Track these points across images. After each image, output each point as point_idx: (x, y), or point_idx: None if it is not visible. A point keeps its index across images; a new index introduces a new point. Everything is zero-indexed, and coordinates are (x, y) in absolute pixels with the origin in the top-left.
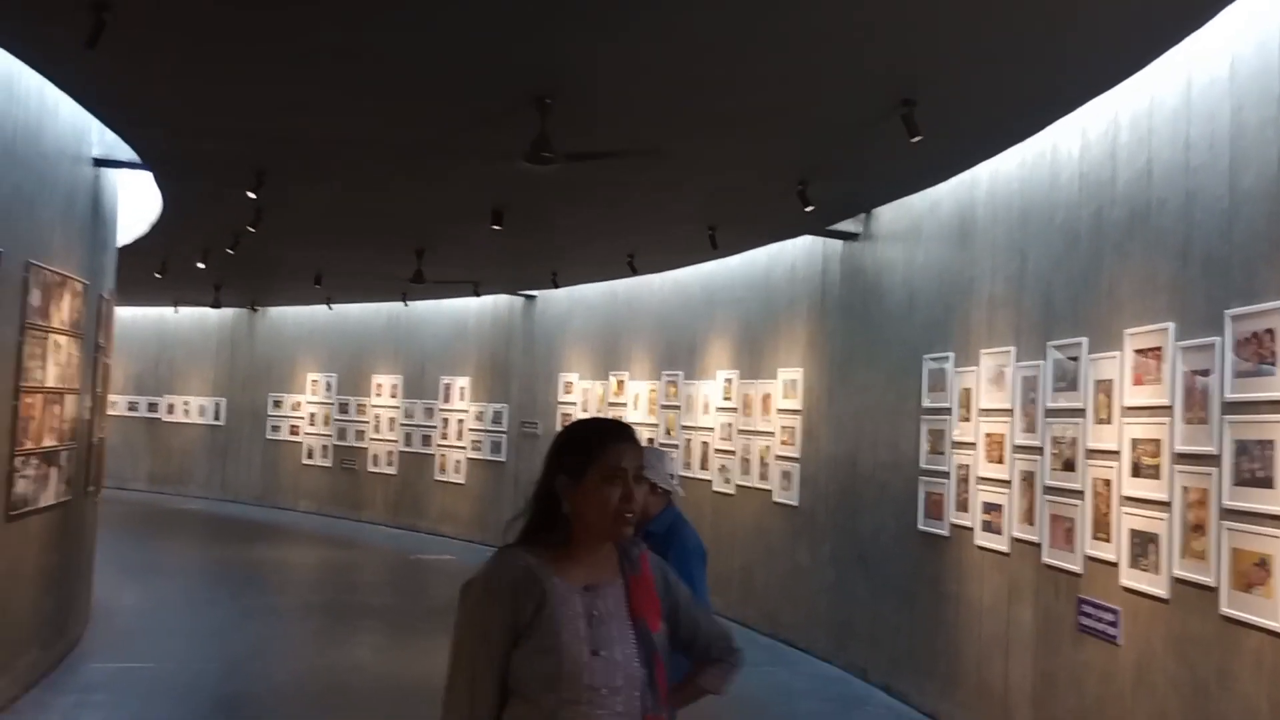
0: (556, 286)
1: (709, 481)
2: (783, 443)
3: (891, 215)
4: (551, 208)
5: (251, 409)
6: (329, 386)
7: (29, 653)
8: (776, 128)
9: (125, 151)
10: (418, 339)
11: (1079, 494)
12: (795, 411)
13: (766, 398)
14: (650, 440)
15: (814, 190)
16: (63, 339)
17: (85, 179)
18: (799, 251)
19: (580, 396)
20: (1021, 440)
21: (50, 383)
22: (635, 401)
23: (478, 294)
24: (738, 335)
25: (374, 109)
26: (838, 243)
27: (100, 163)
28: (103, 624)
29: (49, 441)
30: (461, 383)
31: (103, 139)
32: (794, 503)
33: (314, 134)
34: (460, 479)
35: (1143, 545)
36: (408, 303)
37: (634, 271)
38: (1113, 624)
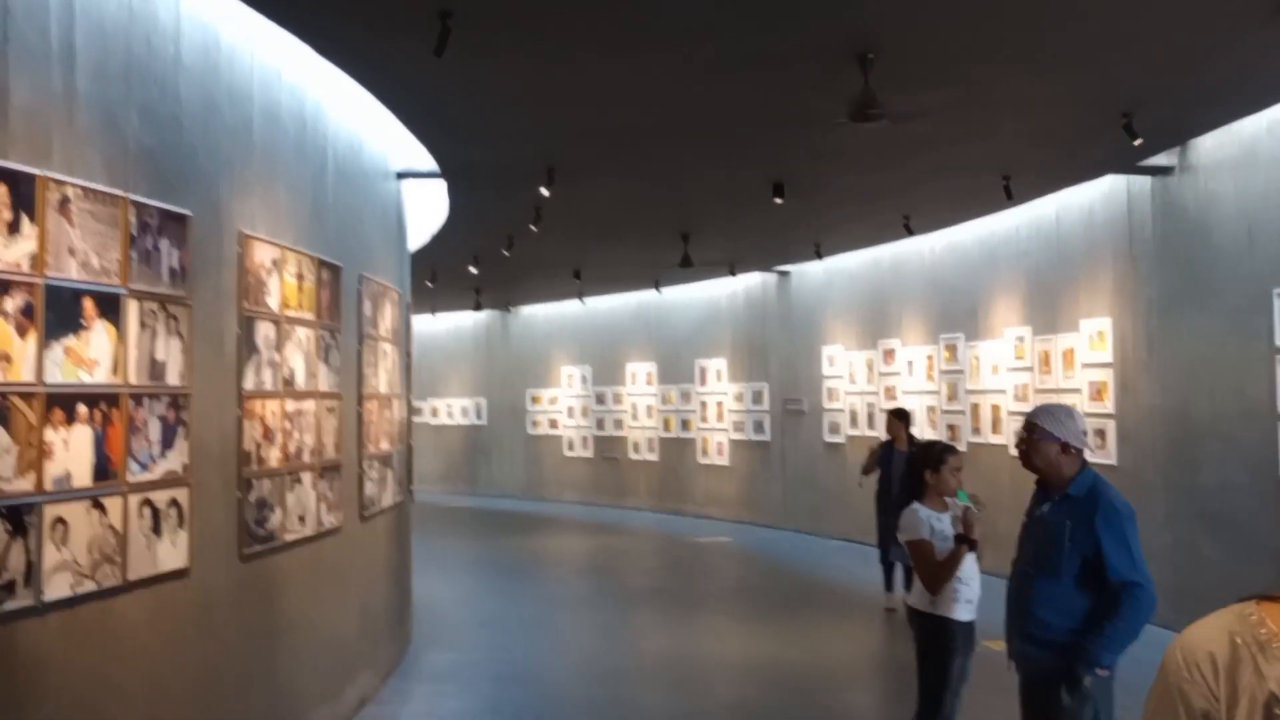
0: (820, 257)
1: (1003, 446)
2: (1092, 399)
3: (1214, 144)
4: (833, 174)
5: (511, 407)
6: (584, 379)
7: (385, 645)
8: (1103, 55)
9: (417, 164)
10: (669, 325)
11: None
12: (1106, 365)
13: (1068, 353)
14: (928, 409)
15: (1137, 122)
16: (388, 346)
17: (393, 193)
18: (1095, 195)
19: (846, 369)
20: None
21: (382, 389)
22: (910, 369)
23: (733, 273)
24: (1027, 290)
25: (672, 90)
26: (1145, 181)
27: (402, 175)
28: (424, 618)
29: (384, 445)
30: (718, 365)
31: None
32: (1111, 461)
33: (606, 124)
34: (724, 461)
35: None
36: (660, 290)
37: (909, 233)
38: None
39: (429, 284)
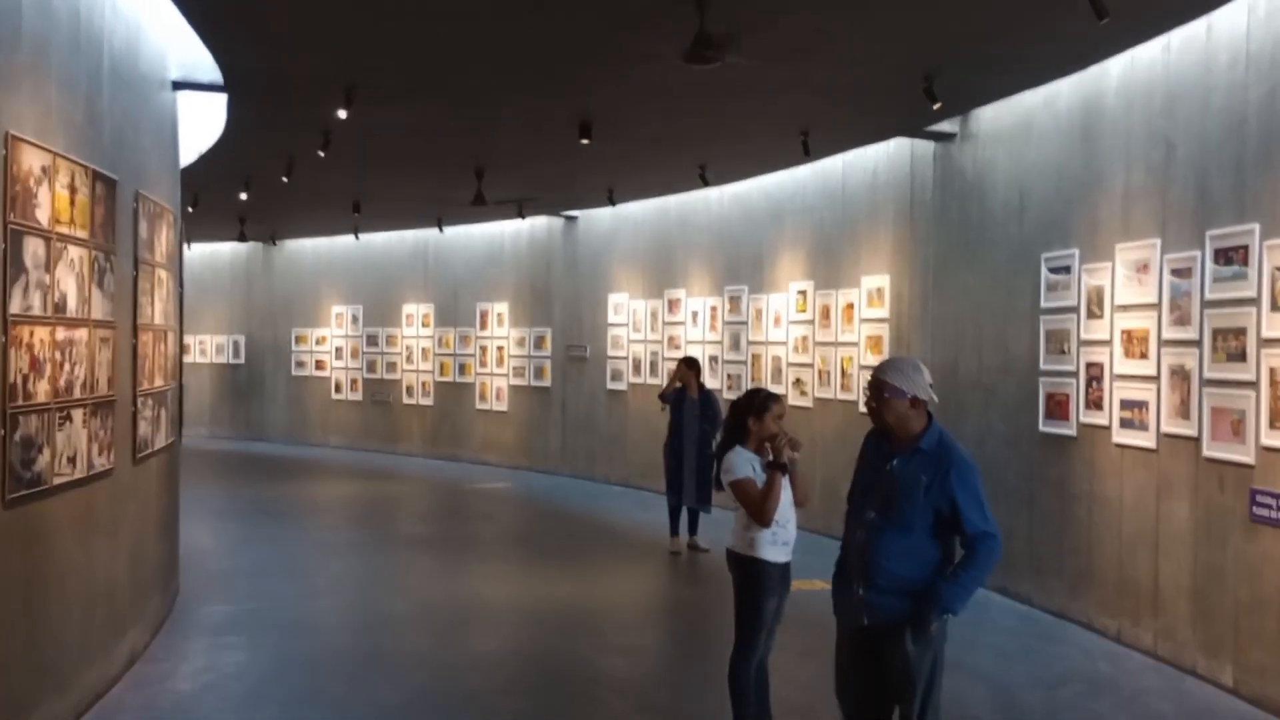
0: (613, 204)
1: (780, 396)
2: (868, 351)
3: (993, 114)
4: (641, 118)
5: (274, 346)
6: (355, 319)
7: (154, 597)
8: (916, 14)
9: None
10: (449, 266)
11: (1250, 384)
12: (882, 320)
13: (848, 307)
14: (710, 359)
15: (934, 87)
16: (163, 273)
17: (169, 104)
18: (879, 156)
19: (629, 317)
20: (1172, 334)
21: (157, 320)
22: (694, 319)
23: (522, 215)
24: (811, 245)
25: (487, 11)
26: (928, 145)
27: (178, 85)
28: (192, 568)
29: (159, 382)
30: (499, 308)
31: (180, 60)
32: None
33: (410, 41)
34: (503, 406)
35: None
36: (443, 229)
37: (705, 183)
38: None
39: (189, 209)
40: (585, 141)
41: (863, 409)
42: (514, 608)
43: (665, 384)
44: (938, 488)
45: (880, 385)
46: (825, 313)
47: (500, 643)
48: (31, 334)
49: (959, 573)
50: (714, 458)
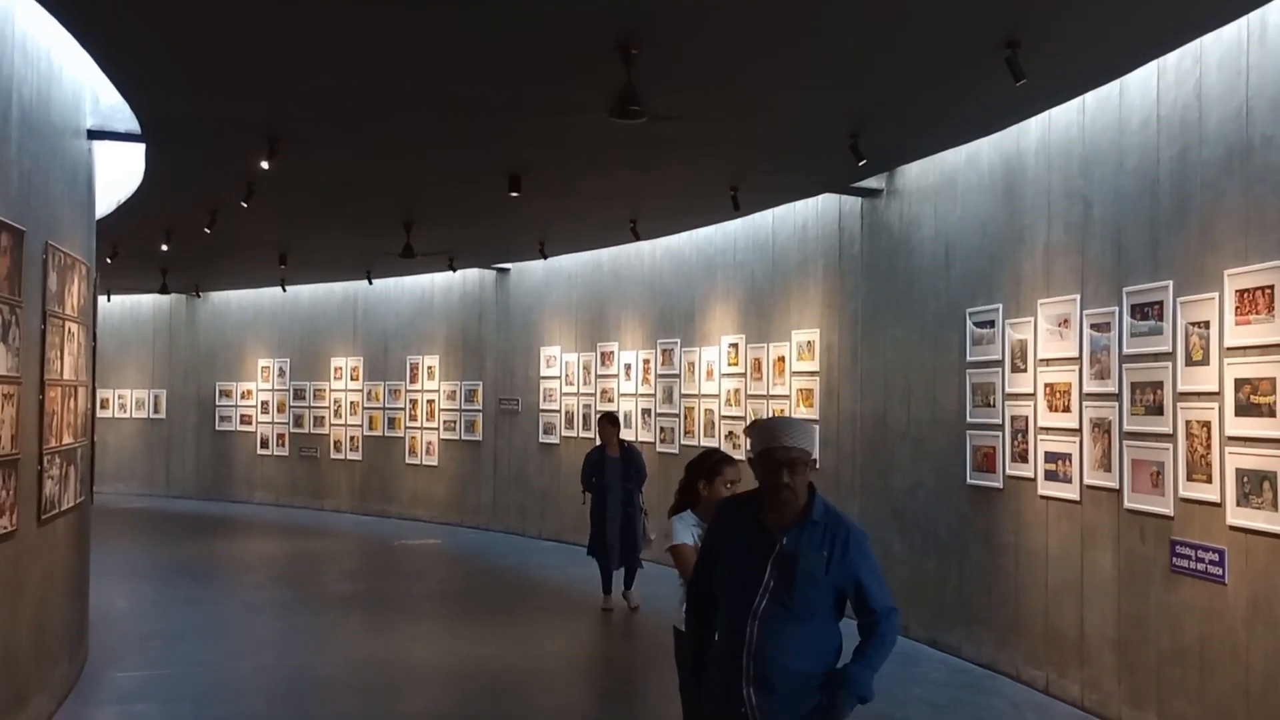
0: (544, 256)
1: (714, 448)
2: (800, 404)
3: (918, 171)
4: (570, 171)
5: (196, 399)
6: (282, 372)
7: (60, 665)
8: (848, 74)
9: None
10: (378, 318)
11: (1168, 437)
12: (813, 373)
13: (779, 360)
14: (644, 411)
15: (860, 144)
16: (74, 326)
17: (83, 153)
18: (808, 212)
19: (562, 370)
20: (1093, 388)
21: (67, 375)
22: (626, 372)
23: (453, 268)
24: (742, 299)
25: (414, 60)
26: (855, 201)
27: (93, 135)
28: (103, 631)
29: (68, 439)
30: (430, 361)
31: (96, 109)
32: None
33: (335, 89)
34: (433, 460)
35: (1256, 483)
36: (371, 281)
37: (636, 237)
38: (1216, 563)
39: (108, 260)
40: (515, 194)
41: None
42: (441, 668)
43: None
44: (837, 564)
45: (800, 458)
46: (757, 365)
47: (425, 704)
48: None
49: (869, 655)
50: (640, 515)
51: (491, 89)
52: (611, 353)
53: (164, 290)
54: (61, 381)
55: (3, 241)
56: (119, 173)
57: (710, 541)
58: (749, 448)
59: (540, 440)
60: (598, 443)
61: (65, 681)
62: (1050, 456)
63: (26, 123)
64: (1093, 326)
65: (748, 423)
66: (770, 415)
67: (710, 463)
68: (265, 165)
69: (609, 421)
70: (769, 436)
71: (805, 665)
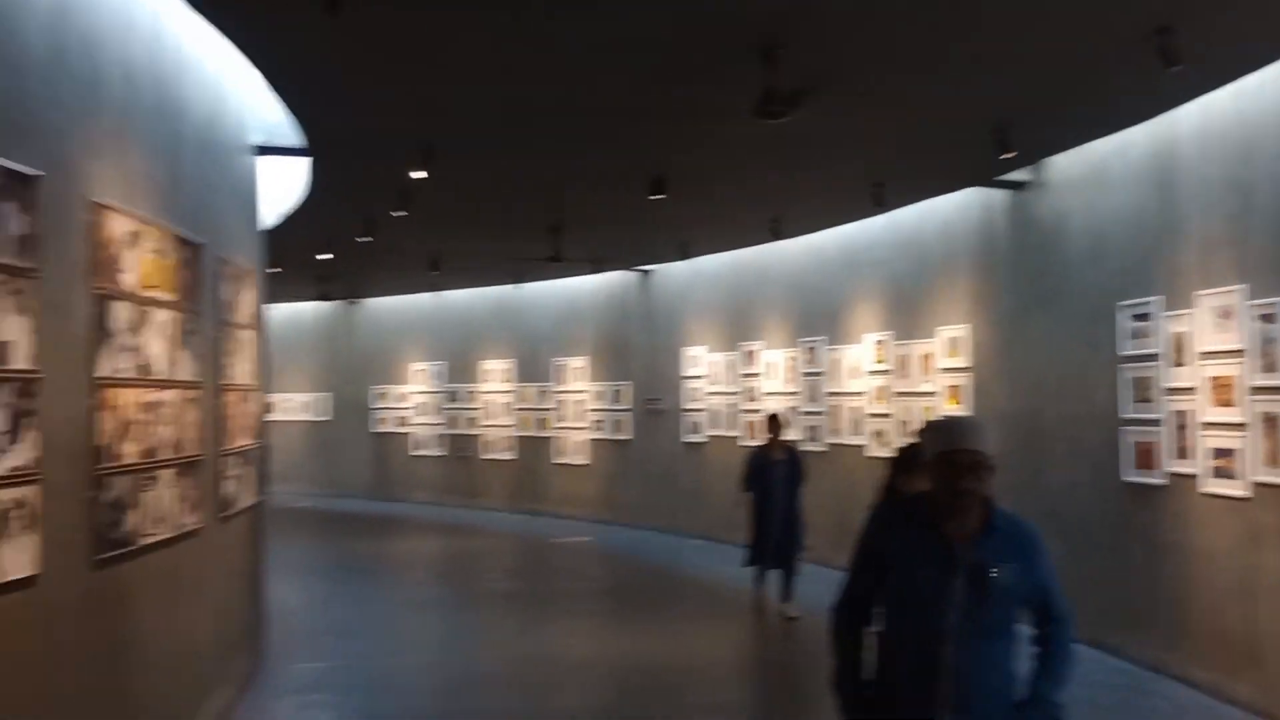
0: (686, 258)
1: (860, 447)
2: (949, 402)
3: (1066, 163)
4: (712, 174)
5: (357, 402)
6: (436, 375)
7: (240, 657)
8: (989, 68)
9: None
10: (527, 322)
11: None
12: (962, 370)
13: (926, 357)
14: (792, 409)
15: (1007, 138)
16: (245, 334)
17: (249, 169)
18: (953, 206)
19: (708, 369)
20: (1262, 381)
21: (242, 380)
22: (771, 371)
23: (598, 271)
24: (886, 295)
25: (560, 72)
26: (1001, 194)
27: (261, 151)
28: (279, 626)
29: (243, 441)
30: (577, 363)
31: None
32: None
33: (486, 103)
34: (582, 460)
35: None
36: (520, 285)
37: (777, 236)
38: None
39: (278, 270)
40: (658, 197)
41: (872, 451)
42: (599, 664)
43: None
44: (1027, 574)
45: (985, 461)
46: (903, 363)
47: (586, 700)
48: (119, 396)
49: (1057, 670)
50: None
51: (635, 95)
52: (755, 351)
53: (324, 298)
54: (237, 386)
55: (183, 255)
56: (280, 186)
57: (873, 549)
58: (923, 450)
59: (686, 439)
60: (759, 443)
61: (245, 673)
62: (1215, 453)
63: (199, 142)
64: (1261, 318)
65: (923, 425)
66: (944, 415)
67: (914, 457)
68: (419, 175)
69: (774, 422)
70: (951, 438)
71: (1001, 685)
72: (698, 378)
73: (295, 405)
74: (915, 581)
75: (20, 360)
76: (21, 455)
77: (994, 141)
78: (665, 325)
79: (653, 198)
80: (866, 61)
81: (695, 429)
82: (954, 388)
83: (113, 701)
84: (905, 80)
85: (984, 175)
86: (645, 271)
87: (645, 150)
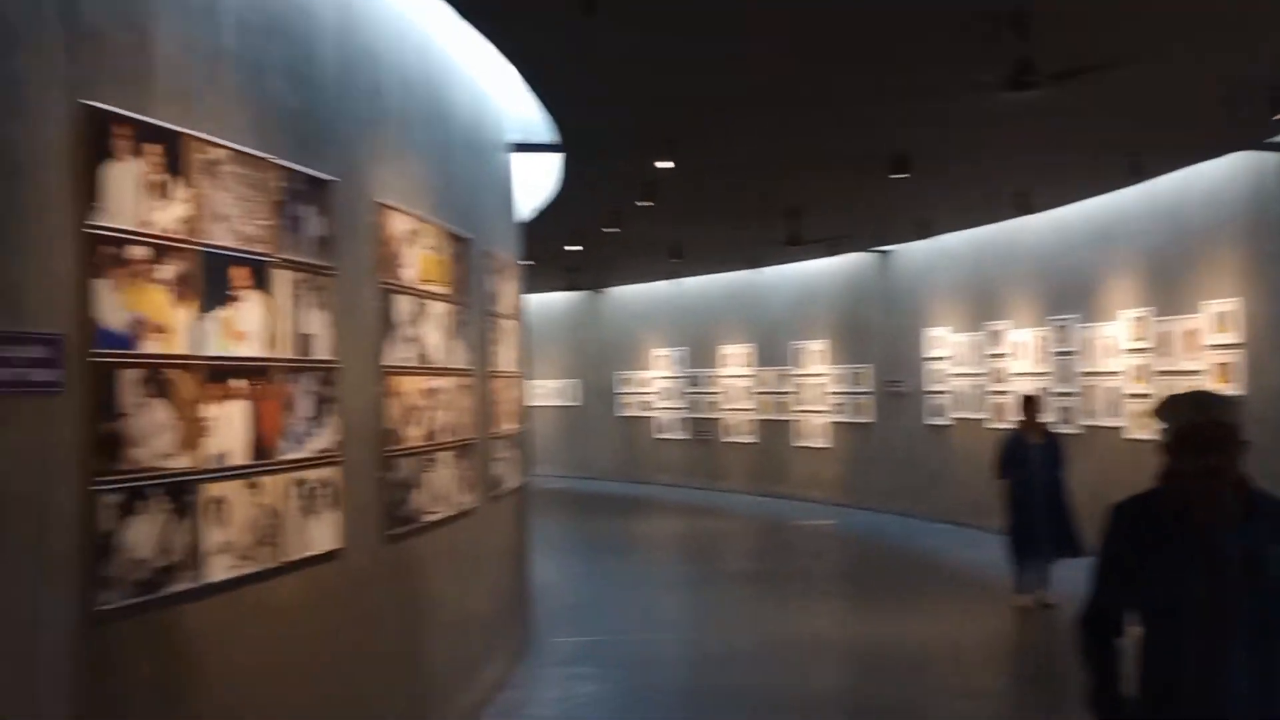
0: (927, 236)
1: (1118, 429)
2: (1218, 380)
3: None
4: (955, 149)
5: (603, 388)
6: (678, 361)
7: (511, 630)
8: (1268, 18)
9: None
10: (765, 306)
11: None
12: (1234, 346)
13: (1191, 333)
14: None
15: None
16: (508, 324)
17: (506, 166)
18: (1217, 173)
19: (951, 350)
20: None
21: (506, 367)
22: (1018, 351)
23: (835, 253)
24: (1144, 270)
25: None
26: (1274, 157)
27: (517, 148)
28: (542, 601)
29: (508, 425)
30: (816, 346)
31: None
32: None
33: (727, 92)
34: (822, 443)
35: None
36: (758, 270)
37: (1024, 211)
38: None
39: (530, 263)
40: (901, 175)
41: (1131, 434)
42: (847, 645)
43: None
44: None
45: (1237, 436)
46: (1164, 340)
47: (837, 680)
48: (403, 383)
49: None
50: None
51: (878, 76)
52: (1001, 331)
53: (571, 288)
54: (502, 373)
55: (454, 250)
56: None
57: (1114, 551)
58: (1161, 429)
59: (929, 422)
60: (1013, 426)
61: (516, 644)
62: None
63: (466, 143)
64: None
65: (1157, 402)
66: (1186, 391)
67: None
68: (666, 166)
69: (1030, 404)
70: (1195, 411)
71: (1270, 687)
72: (940, 359)
73: (546, 391)
74: (1169, 582)
75: (322, 352)
76: (325, 439)
77: (1268, 101)
78: (906, 306)
79: (894, 176)
80: (1125, 21)
81: (939, 411)
82: (1223, 365)
83: (410, 663)
84: (1165, 43)
85: (1255, 138)
86: (884, 252)
87: (887, 129)
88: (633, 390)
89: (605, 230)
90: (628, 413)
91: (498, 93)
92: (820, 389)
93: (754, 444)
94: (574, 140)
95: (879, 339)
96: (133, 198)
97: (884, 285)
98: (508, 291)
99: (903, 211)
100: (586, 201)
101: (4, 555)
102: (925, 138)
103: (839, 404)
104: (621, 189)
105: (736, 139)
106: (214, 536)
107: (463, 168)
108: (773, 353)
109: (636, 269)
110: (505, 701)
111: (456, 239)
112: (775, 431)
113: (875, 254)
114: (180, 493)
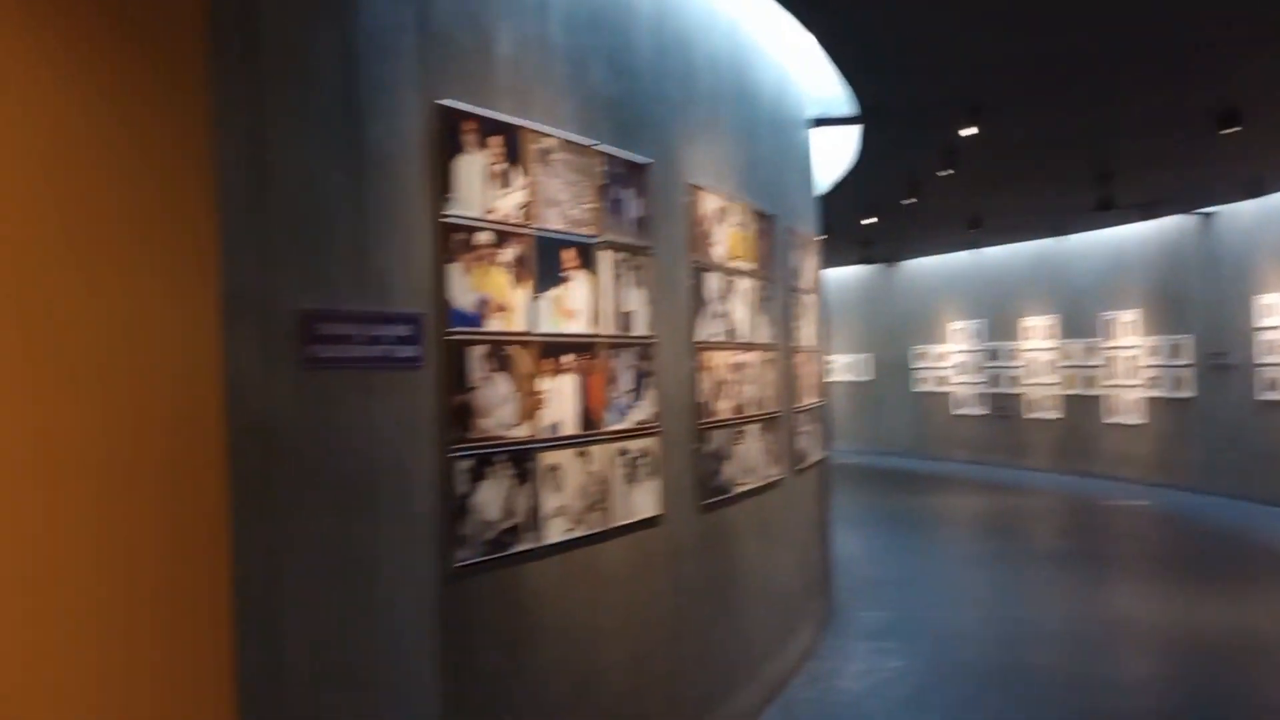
0: (1257, 195)
1: None
2: None
3: None
4: None
5: (894, 363)
6: (975, 334)
7: (816, 600)
8: None
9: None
10: (1071, 275)
11: None
12: None
13: None
14: None
15: None
16: (808, 298)
17: (805, 141)
18: None
19: None
20: None
21: (807, 342)
22: None
23: (1148, 218)
24: None
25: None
26: None
27: (817, 122)
28: (843, 573)
29: (810, 399)
30: (1127, 317)
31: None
32: None
33: (1032, 53)
34: (1137, 419)
35: None
36: (1062, 238)
37: None
38: None
39: (823, 237)
40: (1232, 130)
41: None
42: (1164, 631)
43: None
44: None
45: None
46: None
47: (1154, 667)
48: (713, 358)
49: None
50: None
51: (1197, 27)
52: None
53: (865, 261)
54: (804, 348)
55: (759, 227)
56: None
57: None
58: None
59: (1260, 397)
60: None
61: (820, 616)
62: None
63: (769, 121)
64: None
65: None
66: None
67: None
68: (968, 133)
69: None
70: None
71: None
72: (1273, 329)
73: (841, 366)
74: None
75: (641, 328)
76: (645, 410)
77: None
78: (1231, 272)
79: (1223, 132)
80: None
81: (1272, 386)
82: None
83: (726, 628)
84: None
85: None
86: (1206, 214)
87: (1212, 83)
88: (928, 365)
89: (902, 202)
90: (923, 388)
91: (798, 68)
92: (1132, 362)
93: (1059, 420)
94: (873, 111)
95: (1200, 308)
96: (479, 188)
97: (1207, 249)
98: (808, 266)
99: (1230, 170)
100: (883, 173)
101: (378, 517)
102: (1259, 87)
103: (1154, 378)
104: (920, 159)
105: (1045, 101)
106: (551, 501)
107: (766, 145)
108: (1079, 324)
109: (933, 240)
110: (813, 671)
111: (761, 216)
112: (1082, 407)
113: (1196, 216)
114: (522, 459)
